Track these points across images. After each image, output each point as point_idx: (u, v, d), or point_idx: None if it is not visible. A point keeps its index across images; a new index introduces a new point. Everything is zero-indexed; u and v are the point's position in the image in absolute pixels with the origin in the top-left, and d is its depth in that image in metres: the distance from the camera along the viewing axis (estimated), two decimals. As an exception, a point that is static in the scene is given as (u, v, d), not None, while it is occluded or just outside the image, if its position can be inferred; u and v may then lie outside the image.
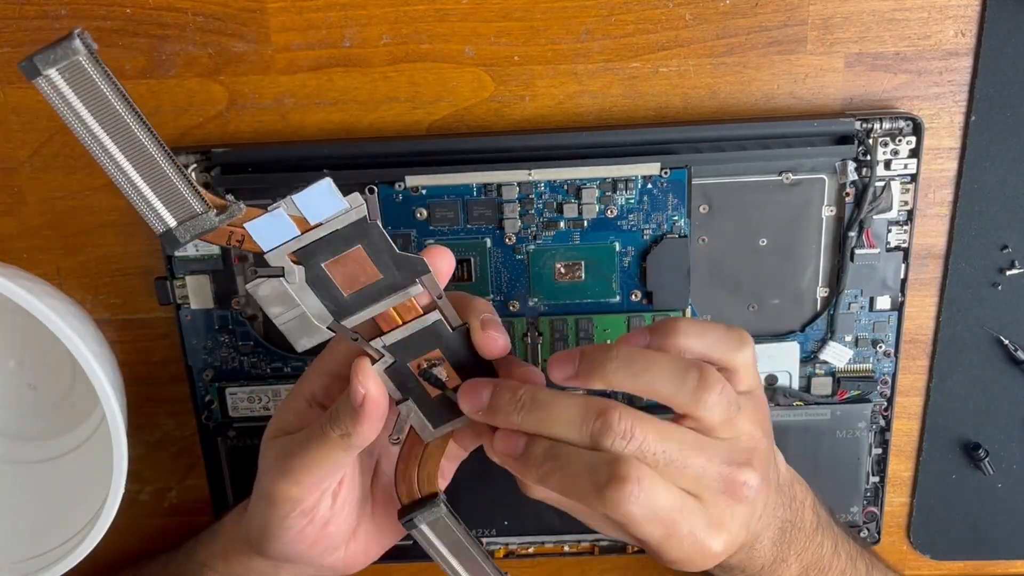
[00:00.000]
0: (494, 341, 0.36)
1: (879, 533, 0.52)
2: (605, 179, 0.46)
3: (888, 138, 0.45)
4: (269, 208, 0.32)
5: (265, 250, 0.33)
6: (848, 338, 0.49)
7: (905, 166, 0.46)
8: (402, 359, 0.37)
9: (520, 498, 0.53)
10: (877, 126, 0.45)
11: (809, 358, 0.49)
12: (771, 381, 0.50)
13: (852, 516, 0.52)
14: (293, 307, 0.34)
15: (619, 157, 0.45)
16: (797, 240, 0.47)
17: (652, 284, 0.48)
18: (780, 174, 0.46)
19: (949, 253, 0.49)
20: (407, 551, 0.54)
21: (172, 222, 0.31)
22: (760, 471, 0.37)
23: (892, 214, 0.46)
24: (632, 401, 0.46)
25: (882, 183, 0.46)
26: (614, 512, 0.34)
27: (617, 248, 0.47)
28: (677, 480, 0.35)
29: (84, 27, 0.45)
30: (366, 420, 0.36)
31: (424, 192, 0.46)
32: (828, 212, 0.47)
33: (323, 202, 0.33)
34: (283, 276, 0.34)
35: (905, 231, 0.47)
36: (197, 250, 0.48)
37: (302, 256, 0.33)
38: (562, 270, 0.48)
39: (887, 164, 0.46)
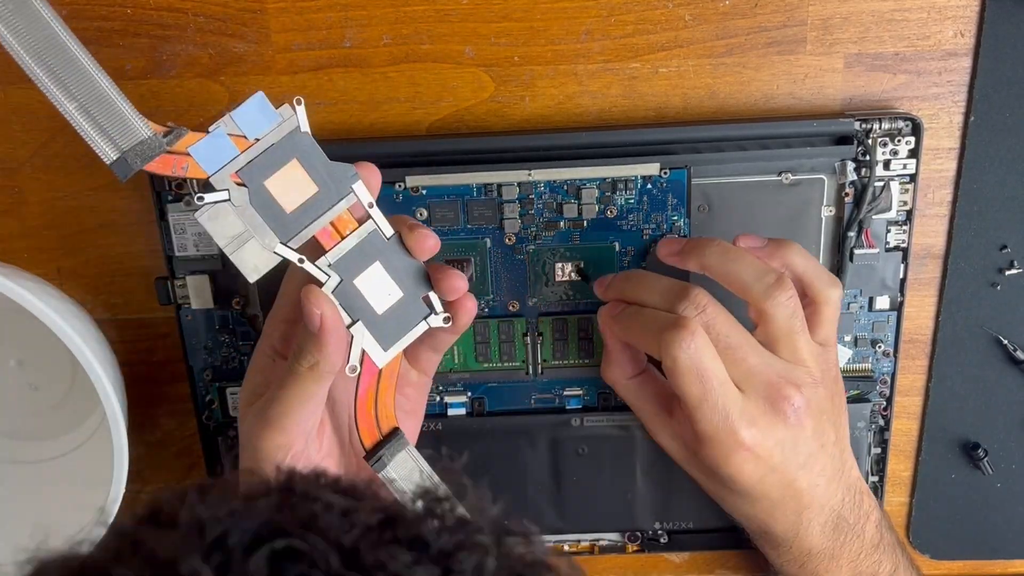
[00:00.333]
0: (426, 239, 0.39)
1: (878, 533, 0.52)
2: (605, 179, 0.46)
3: (887, 138, 0.45)
4: (209, 129, 0.33)
5: (209, 173, 0.34)
6: (847, 338, 0.49)
7: (904, 166, 0.46)
8: (347, 277, 0.37)
9: (520, 498, 0.53)
10: (876, 126, 0.45)
11: (808, 358, 0.49)
12: (771, 381, 0.50)
13: (851, 516, 0.52)
14: (240, 233, 0.35)
15: (619, 157, 0.45)
16: (797, 240, 0.47)
17: (652, 284, 0.48)
18: (779, 174, 0.46)
19: (948, 253, 0.49)
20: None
21: (121, 149, 0.32)
22: (808, 402, 0.41)
23: (891, 214, 0.47)
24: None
25: (881, 183, 0.46)
26: (665, 353, 0.40)
27: (617, 248, 0.47)
28: (729, 366, 0.40)
29: (84, 27, 0.45)
30: (329, 341, 0.37)
31: (424, 192, 0.46)
32: (827, 212, 0.47)
33: (259, 117, 0.33)
34: (229, 199, 0.34)
35: (904, 231, 0.47)
36: (197, 250, 0.48)
37: (245, 177, 0.34)
38: (563, 270, 0.48)
39: (886, 164, 0.46)
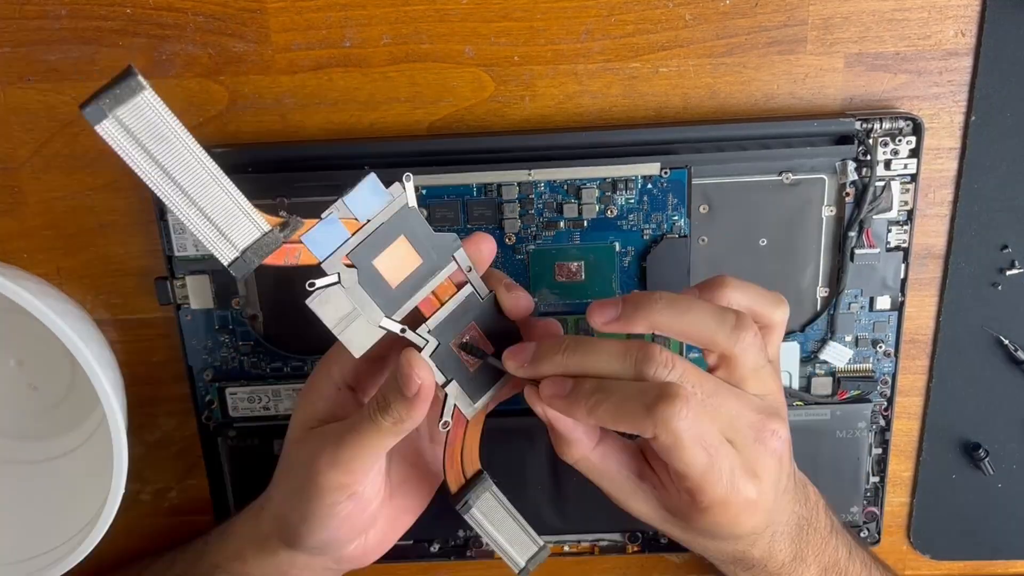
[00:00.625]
0: (519, 300, 0.39)
1: (879, 533, 0.52)
2: (605, 179, 0.46)
3: (888, 138, 0.45)
4: (322, 216, 0.33)
5: (321, 259, 0.33)
6: (848, 338, 0.49)
7: (905, 166, 0.46)
8: (444, 340, 0.37)
9: (520, 499, 0.53)
10: (877, 126, 0.45)
11: (809, 358, 0.49)
12: (771, 381, 0.50)
13: (852, 516, 0.52)
14: (348, 312, 0.34)
15: (619, 157, 0.45)
16: (797, 240, 0.47)
17: (652, 284, 0.48)
18: (780, 174, 0.46)
19: (949, 253, 0.49)
20: (408, 551, 0.54)
21: (239, 248, 0.31)
22: (786, 428, 0.39)
23: (892, 214, 0.46)
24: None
25: (882, 183, 0.46)
26: (664, 429, 0.34)
27: (617, 248, 0.47)
28: (713, 420, 0.36)
29: (84, 27, 0.45)
30: (420, 407, 0.37)
31: (424, 192, 0.46)
32: (828, 212, 0.47)
33: (370, 198, 0.33)
34: (339, 282, 0.34)
35: (905, 231, 0.47)
36: (197, 250, 0.48)
37: (354, 258, 0.34)
38: (567, 269, 0.48)
39: (887, 164, 0.46)
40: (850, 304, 0.48)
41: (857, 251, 0.47)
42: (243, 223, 0.31)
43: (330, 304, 0.34)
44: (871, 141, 0.45)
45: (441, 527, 0.53)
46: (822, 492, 0.50)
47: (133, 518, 0.55)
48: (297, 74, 0.46)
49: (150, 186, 0.29)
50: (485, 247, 0.39)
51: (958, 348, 0.50)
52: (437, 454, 0.44)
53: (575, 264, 0.48)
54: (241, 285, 0.49)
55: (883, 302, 0.48)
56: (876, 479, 0.51)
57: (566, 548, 0.54)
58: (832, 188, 0.46)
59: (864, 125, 0.45)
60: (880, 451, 0.51)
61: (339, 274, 0.34)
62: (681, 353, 0.47)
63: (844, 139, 0.45)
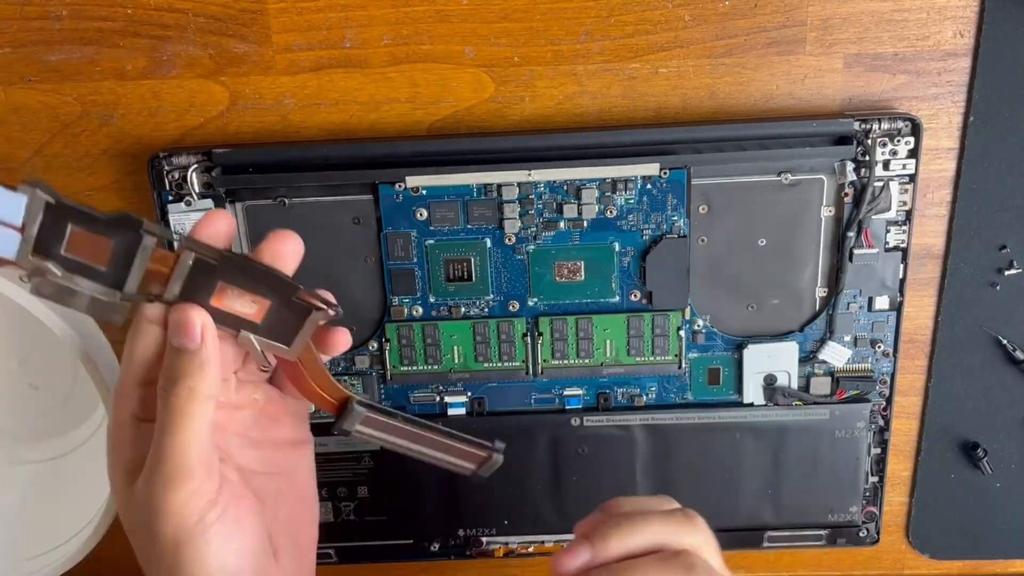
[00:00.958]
0: (285, 242, 0.35)
1: (878, 533, 0.53)
2: (605, 179, 0.46)
3: (887, 138, 0.45)
4: None
5: (10, 258, 0.33)
6: (847, 338, 0.49)
7: (904, 166, 0.46)
8: (201, 301, 0.35)
9: (520, 498, 0.53)
10: (876, 126, 0.45)
11: (808, 358, 0.49)
12: (770, 381, 0.50)
13: (851, 516, 0.52)
14: (79, 295, 0.35)
15: (619, 157, 0.45)
16: (796, 240, 0.47)
17: (652, 284, 0.48)
18: (779, 174, 0.46)
19: (948, 253, 0.49)
20: (408, 551, 0.54)
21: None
22: None
23: (891, 214, 0.47)
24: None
25: (881, 183, 0.46)
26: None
27: (617, 248, 0.48)
28: None
29: (84, 27, 0.45)
30: (211, 356, 0.34)
31: (424, 192, 0.47)
32: (827, 212, 0.47)
33: (7, 203, 0.33)
34: (46, 274, 0.34)
35: (904, 231, 0.47)
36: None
37: (45, 254, 0.34)
38: (564, 270, 0.48)
39: (886, 164, 0.46)
40: (849, 304, 0.48)
41: (856, 251, 0.47)
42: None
43: (55, 291, 0.34)
44: (870, 141, 0.45)
45: (441, 527, 0.53)
46: (821, 492, 0.50)
47: (134, 517, 0.56)
48: (298, 75, 0.46)
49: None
50: (218, 222, 0.35)
51: (957, 348, 0.50)
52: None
53: (575, 264, 0.48)
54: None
55: (882, 302, 0.48)
56: (875, 479, 0.52)
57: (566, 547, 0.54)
58: (831, 188, 0.47)
59: (863, 125, 0.45)
60: (879, 451, 0.51)
61: (39, 266, 0.34)
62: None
63: (843, 139, 0.45)
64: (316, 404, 0.39)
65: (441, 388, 0.50)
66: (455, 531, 0.53)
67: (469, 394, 0.51)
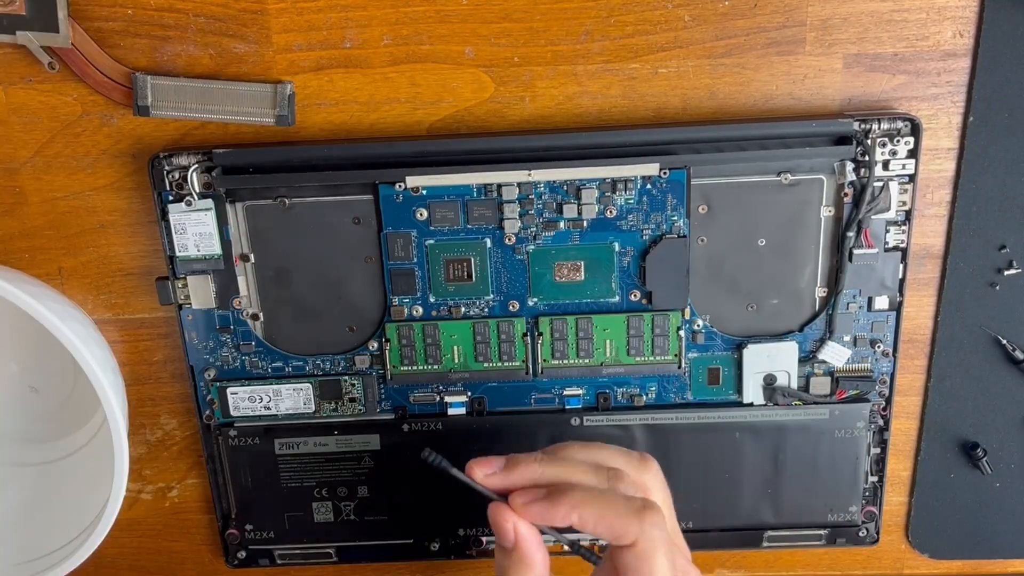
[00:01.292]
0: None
1: (878, 533, 0.53)
2: (604, 179, 0.46)
3: (886, 139, 0.45)
4: None
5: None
6: (847, 338, 0.49)
7: (903, 166, 0.46)
8: None
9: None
10: (875, 127, 0.45)
11: (808, 358, 0.50)
12: (770, 381, 0.50)
13: (851, 516, 0.52)
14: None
15: (618, 158, 0.45)
16: (796, 240, 0.48)
17: (651, 284, 0.48)
18: (779, 174, 0.46)
19: (947, 253, 0.49)
20: (408, 551, 0.54)
21: None
22: None
23: (890, 214, 0.47)
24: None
25: (880, 183, 0.46)
26: (647, 535, 0.37)
27: (616, 248, 0.48)
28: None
29: (85, 27, 0.45)
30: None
31: (424, 192, 0.47)
32: (827, 212, 0.47)
33: None
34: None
35: (903, 231, 0.47)
36: (198, 250, 0.48)
37: None
38: (564, 270, 0.48)
39: (885, 164, 0.46)
40: (848, 304, 0.48)
41: (855, 251, 0.47)
42: None
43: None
44: (869, 142, 0.45)
45: (441, 527, 0.53)
46: (820, 492, 0.50)
47: (135, 517, 0.56)
48: (297, 75, 0.46)
49: None
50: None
51: (956, 348, 0.50)
52: None
53: (575, 264, 0.48)
54: (242, 285, 0.49)
55: (881, 302, 0.48)
56: (875, 478, 0.52)
57: (566, 548, 0.54)
58: (831, 188, 0.47)
59: (862, 126, 0.45)
60: (879, 450, 0.51)
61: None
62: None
63: (843, 140, 0.45)
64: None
65: (441, 388, 0.50)
66: (455, 531, 0.53)
67: (469, 394, 0.51)
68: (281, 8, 0.45)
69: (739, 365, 0.50)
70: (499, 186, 0.46)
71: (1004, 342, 0.50)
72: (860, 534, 0.52)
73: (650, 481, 0.40)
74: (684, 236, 0.47)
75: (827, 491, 0.51)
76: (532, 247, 0.48)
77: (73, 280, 0.50)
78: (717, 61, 0.46)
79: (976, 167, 0.47)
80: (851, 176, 0.46)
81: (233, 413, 0.51)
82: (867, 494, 0.52)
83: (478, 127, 0.47)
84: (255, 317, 0.50)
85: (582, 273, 0.48)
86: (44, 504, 0.53)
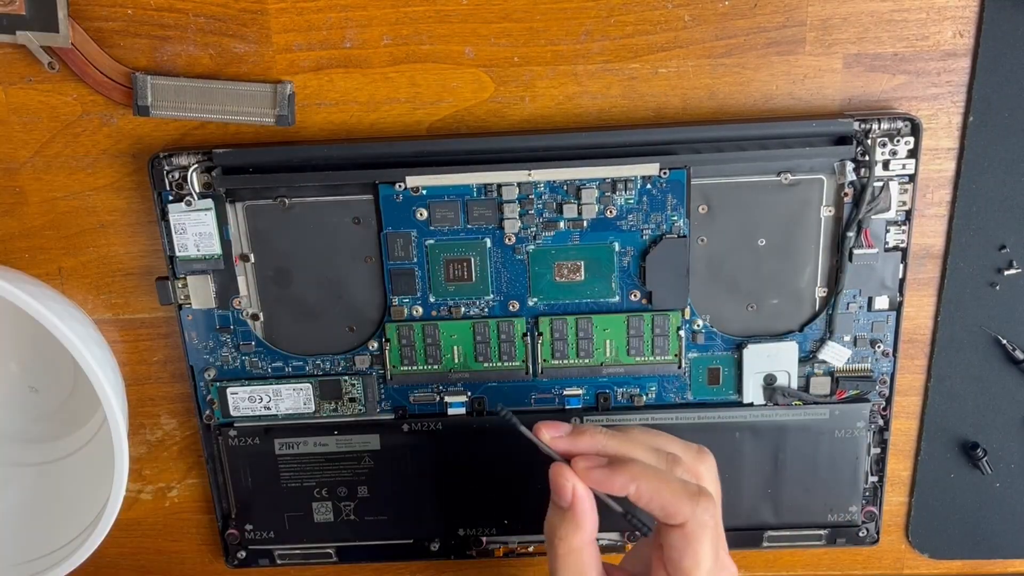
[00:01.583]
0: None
1: (878, 533, 0.53)
2: (604, 179, 0.46)
3: (886, 139, 0.45)
4: None
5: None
6: (847, 338, 0.49)
7: (903, 166, 0.46)
8: None
9: (520, 498, 0.53)
10: (875, 127, 0.45)
11: (808, 358, 0.50)
12: (770, 380, 0.50)
13: (851, 516, 0.52)
14: None
15: (618, 157, 0.45)
16: (796, 240, 0.47)
17: (651, 284, 0.48)
18: (779, 174, 0.46)
19: (947, 253, 0.49)
20: (408, 551, 0.54)
21: None
22: None
23: (890, 214, 0.47)
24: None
25: (880, 183, 0.46)
26: (698, 518, 0.38)
27: (616, 248, 0.48)
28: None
29: (85, 27, 0.45)
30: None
31: (424, 192, 0.47)
32: (827, 212, 0.47)
33: None
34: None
35: (903, 231, 0.47)
36: (198, 250, 0.48)
37: None
38: (564, 270, 0.48)
39: (885, 164, 0.46)
40: (848, 304, 0.48)
41: (855, 251, 0.47)
42: None
43: None
44: (869, 142, 0.45)
45: (441, 527, 0.53)
46: (820, 492, 0.50)
47: (135, 517, 0.56)
48: (297, 75, 0.46)
49: None
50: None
51: (956, 348, 0.50)
52: None
53: (575, 264, 0.48)
54: (242, 285, 0.49)
55: (881, 302, 0.48)
56: (875, 478, 0.52)
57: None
58: (831, 188, 0.47)
59: (862, 126, 0.45)
60: (879, 451, 0.51)
61: None
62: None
63: (843, 140, 0.45)
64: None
65: (441, 388, 0.50)
66: (455, 531, 0.53)
67: (469, 394, 0.51)
68: (281, 8, 0.45)
69: (739, 365, 0.50)
70: (499, 186, 0.46)
71: (1004, 342, 0.50)
72: (860, 534, 0.52)
73: (705, 472, 0.42)
74: (684, 236, 0.47)
75: (827, 491, 0.51)
76: (532, 247, 0.48)
77: (73, 280, 0.50)
78: (717, 61, 0.46)
79: (976, 167, 0.47)
80: (851, 176, 0.46)
81: (233, 413, 0.51)
82: (867, 494, 0.52)
83: (478, 127, 0.47)
84: (255, 317, 0.50)
85: (582, 273, 0.48)
86: (44, 504, 0.53)
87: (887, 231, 0.47)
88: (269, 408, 0.51)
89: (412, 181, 0.46)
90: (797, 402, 0.50)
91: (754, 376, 0.50)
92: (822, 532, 0.52)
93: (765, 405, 0.50)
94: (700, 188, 0.47)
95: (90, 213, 0.49)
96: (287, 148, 0.46)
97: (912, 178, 0.46)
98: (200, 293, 0.49)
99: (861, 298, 0.48)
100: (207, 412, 0.51)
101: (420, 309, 0.49)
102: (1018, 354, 0.50)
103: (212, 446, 0.52)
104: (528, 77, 0.46)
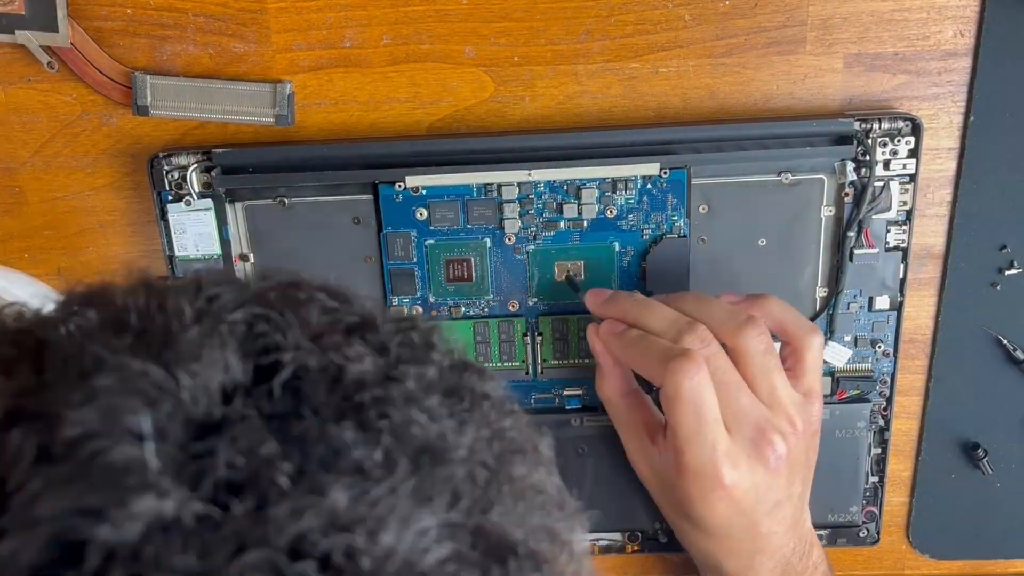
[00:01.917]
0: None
1: (878, 533, 0.52)
2: (605, 179, 0.46)
3: (887, 138, 0.45)
4: None
5: None
6: (847, 338, 0.49)
7: (904, 166, 0.46)
8: None
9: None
10: (876, 126, 0.45)
11: (808, 358, 0.49)
12: (770, 381, 0.50)
13: (851, 516, 0.52)
14: None
15: (619, 157, 0.45)
16: (796, 240, 0.47)
17: (652, 284, 0.48)
18: (779, 174, 0.46)
19: (948, 253, 0.49)
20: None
21: None
22: (788, 452, 0.41)
23: (891, 214, 0.46)
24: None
25: (881, 183, 0.46)
26: (668, 381, 0.40)
27: (617, 248, 0.47)
28: (722, 404, 0.41)
29: (84, 27, 0.45)
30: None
31: (424, 192, 0.47)
32: (827, 212, 0.47)
33: None
34: None
35: (904, 231, 0.47)
36: (198, 250, 0.48)
37: None
38: (563, 271, 0.48)
39: (886, 164, 0.46)
40: (849, 304, 0.48)
41: (856, 251, 0.47)
42: None
43: None
44: (870, 141, 0.45)
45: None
46: (820, 492, 0.50)
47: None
48: (297, 74, 0.46)
49: None
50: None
51: (957, 348, 0.50)
52: None
53: (575, 264, 0.48)
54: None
55: (882, 302, 0.48)
56: (875, 479, 0.51)
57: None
58: (831, 188, 0.46)
59: (863, 125, 0.45)
60: (879, 451, 0.51)
61: None
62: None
63: (843, 139, 0.45)
64: None
65: (441, 388, 0.50)
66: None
67: (469, 394, 0.50)
68: (280, 7, 0.45)
69: (739, 365, 0.50)
70: (499, 186, 0.46)
71: (1005, 342, 0.50)
72: (860, 534, 0.52)
73: (744, 344, 0.41)
74: (684, 236, 0.47)
75: (827, 491, 0.51)
76: (532, 247, 0.48)
77: (73, 280, 0.50)
78: (718, 61, 0.46)
79: (977, 167, 0.47)
80: (852, 176, 0.46)
81: (233, 413, 0.51)
82: (867, 494, 0.52)
83: (478, 127, 0.47)
84: (255, 317, 0.49)
85: (582, 273, 0.48)
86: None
87: (888, 231, 0.47)
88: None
89: (412, 181, 0.46)
90: (797, 402, 0.50)
91: (754, 376, 0.50)
92: (822, 532, 0.52)
93: (765, 405, 0.50)
94: (700, 188, 0.47)
95: (89, 213, 0.49)
96: (287, 148, 0.46)
97: (913, 178, 0.46)
98: (200, 293, 0.49)
99: (862, 298, 0.48)
100: (207, 412, 0.51)
101: (420, 309, 0.49)
102: (1019, 354, 0.50)
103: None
104: (528, 77, 0.46)
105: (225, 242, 0.47)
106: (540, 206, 0.47)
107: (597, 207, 0.47)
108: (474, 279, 0.48)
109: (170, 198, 0.47)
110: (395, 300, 0.49)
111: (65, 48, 0.45)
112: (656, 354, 0.41)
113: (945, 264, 0.49)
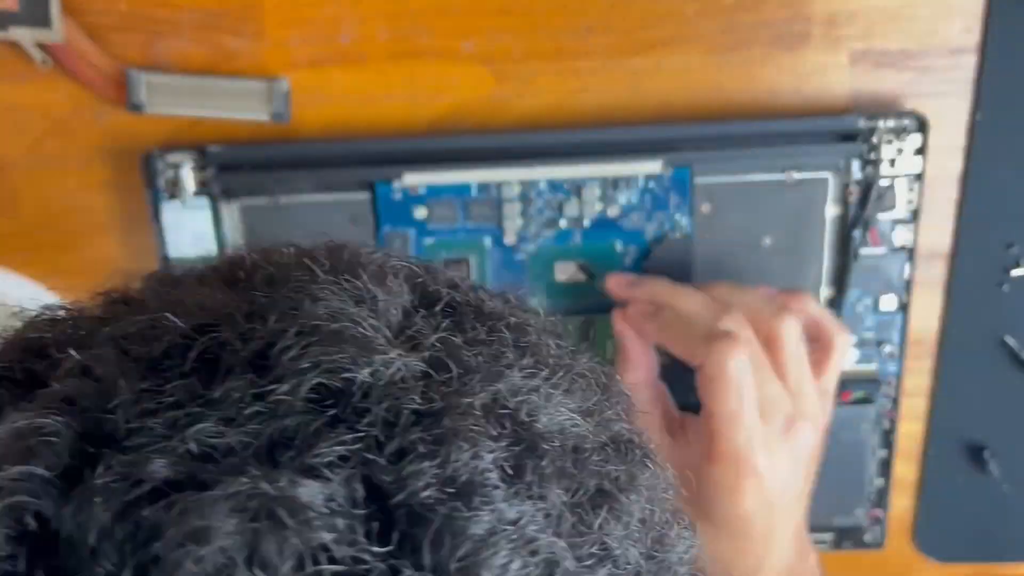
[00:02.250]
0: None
1: (884, 536, 0.52)
2: (606, 178, 0.46)
3: (893, 136, 0.45)
4: None
5: None
6: (852, 339, 0.48)
7: (910, 164, 0.45)
8: None
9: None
10: (882, 124, 0.45)
11: (813, 359, 0.49)
12: (774, 382, 0.49)
13: (856, 519, 0.51)
14: None
15: (621, 155, 0.45)
16: (801, 239, 0.47)
17: (654, 284, 0.47)
18: (784, 172, 0.46)
19: (955, 252, 0.48)
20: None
21: None
22: (812, 443, 0.41)
23: (897, 213, 0.46)
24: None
25: (887, 182, 0.45)
26: (711, 360, 0.39)
27: (619, 248, 0.47)
28: (755, 384, 0.40)
29: (78, 23, 0.45)
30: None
31: (423, 191, 0.46)
32: (832, 211, 0.46)
33: None
34: None
35: (910, 230, 0.47)
36: (194, 249, 0.47)
37: None
38: (564, 270, 0.48)
39: (892, 162, 0.45)
40: (855, 305, 0.48)
41: (862, 250, 0.47)
42: None
43: None
44: (876, 139, 0.45)
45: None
46: (826, 495, 0.49)
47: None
48: (293, 71, 0.46)
49: None
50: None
51: (964, 349, 0.50)
52: None
53: (576, 264, 0.47)
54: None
55: (888, 302, 0.48)
56: (880, 481, 0.51)
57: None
58: (836, 186, 0.46)
59: (869, 123, 0.44)
60: (885, 453, 0.51)
61: None
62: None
63: (849, 137, 0.45)
64: None
65: (440, 389, 0.50)
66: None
67: (468, 395, 0.50)
68: (276, 2, 0.45)
69: (743, 366, 0.49)
70: (499, 184, 0.46)
71: (1012, 343, 0.49)
72: (866, 538, 0.52)
73: (780, 331, 0.41)
74: (687, 235, 0.47)
75: (832, 494, 0.51)
76: (533, 246, 0.47)
77: (68, 280, 0.50)
78: (722, 57, 0.45)
79: (984, 165, 0.47)
80: (857, 174, 0.45)
81: (229, 415, 0.50)
82: (873, 497, 0.51)
83: (478, 124, 0.47)
84: (251, 317, 0.49)
85: (583, 273, 0.47)
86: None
87: (893, 230, 0.47)
88: (265, 410, 0.50)
89: (410, 179, 0.46)
90: (802, 404, 0.49)
91: (758, 377, 0.49)
92: (827, 536, 0.52)
93: (769, 407, 0.50)
94: (704, 186, 0.46)
95: (84, 212, 0.49)
96: (283, 145, 0.46)
97: (919, 176, 0.45)
98: (195, 293, 0.48)
99: (867, 298, 0.48)
100: (202, 414, 0.51)
101: (419, 309, 0.48)
102: (1026, 355, 0.49)
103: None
104: (529, 73, 0.46)
105: (221, 241, 0.47)
106: (540, 205, 0.46)
107: (598, 206, 0.46)
108: (474, 279, 0.48)
109: (165, 196, 0.46)
110: (393, 300, 0.48)
111: (58, 44, 0.44)
112: (698, 332, 0.40)
113: (952, 264, 0.48)
